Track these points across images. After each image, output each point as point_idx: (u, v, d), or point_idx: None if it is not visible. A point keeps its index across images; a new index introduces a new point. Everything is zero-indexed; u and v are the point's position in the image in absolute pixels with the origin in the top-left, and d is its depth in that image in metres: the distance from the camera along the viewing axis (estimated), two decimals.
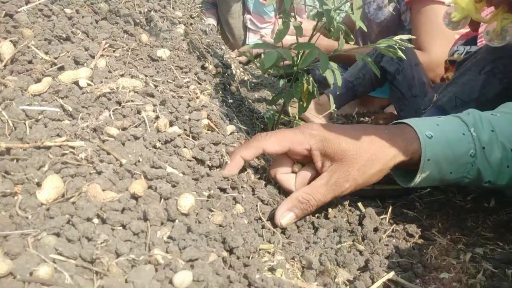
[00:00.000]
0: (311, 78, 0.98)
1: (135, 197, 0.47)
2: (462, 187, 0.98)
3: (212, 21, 2.57)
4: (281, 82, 1.06)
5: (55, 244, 0.40)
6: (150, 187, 0.49)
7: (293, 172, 0.69)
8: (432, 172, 0.65)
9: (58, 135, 0.55)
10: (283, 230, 0.62)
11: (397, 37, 0.79)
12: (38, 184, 0.47)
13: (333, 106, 1.18)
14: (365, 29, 0.89)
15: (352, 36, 0.89)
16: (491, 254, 0.65)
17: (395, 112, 1.54)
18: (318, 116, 1.38)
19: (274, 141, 0.64)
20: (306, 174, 0.67)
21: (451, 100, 1.02)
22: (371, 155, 0.63)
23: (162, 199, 0.49)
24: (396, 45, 0.77)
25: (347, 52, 0.92)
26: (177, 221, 0.47)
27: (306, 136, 0.64)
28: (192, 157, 0.61)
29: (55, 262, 0.38)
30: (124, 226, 0.44)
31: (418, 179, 0.66)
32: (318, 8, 0.87)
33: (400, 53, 0.80)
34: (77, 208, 0.45)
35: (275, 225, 0.61)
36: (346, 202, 0.76)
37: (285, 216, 0.62)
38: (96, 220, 0.44)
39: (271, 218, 0.62)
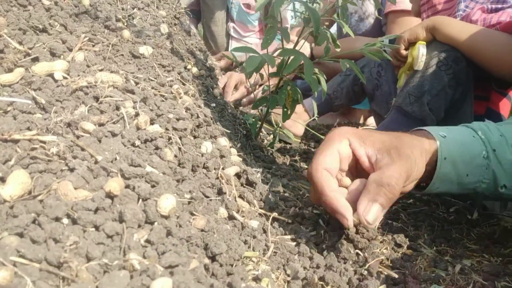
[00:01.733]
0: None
1: (110, 196, 0.43)
2: (445, 199, 0.97)
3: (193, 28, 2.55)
4: (265, 87, 1.04)
5: (17, 245, 0.35)
6: (127, 186, 0.46)
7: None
8: (449, 172, 0.63)
9: (28, 128, 0.51)
10: (267, 240, 0.58)
11: (382, 38, 0.79)
12: (2, 179, 0.42)
13: (315, 113, 1.16)
14: (352, 35, 0.88)
15: (338, 43, 0.88)
16: (479, 266, 0.64)
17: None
18: (299, 123, 1.37)
19: (323, 156, 0.58)
20: (358, 184, 0.60)
21: (405, 98, 1.06)
22: (406, 139, 0.61)
23: (140, 200, 0.45)
24: (381, 48, 0.77)
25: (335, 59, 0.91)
26: (156, 223, 0.43)
27: (341, 135, 0.61)
28: (174, 157, 0.58)
29: (15, 266, 0.34)
30: (97, 228, 0.40)
31: (435, 179, 0.63)
32: (305, 14, 0.86)
33: (385, 54, 0.79)
34: (44, 206, 0.40)
35: (257, 230, 0.58)
36: None
37: (370, 210, 0.54)
38: (65, 220, 0.40)
39: (256, 226, 0.59)
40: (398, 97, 1.09)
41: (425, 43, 1.04)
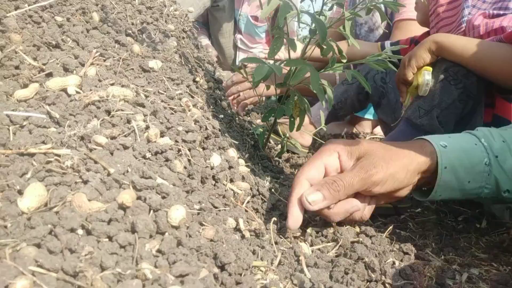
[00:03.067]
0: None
1: (123, 207, 0.45)
2: (453, 208, 0.97)
3: (206, 41, 2.58)
4: (273, 98, 1.05)
5: (35, 256, 0.37)
6: (139, 197, 0.47)
7: None
8: (450, 180, 0.66)
9: (43, 142, 0.53)
10: (275, 248, 0.59)
11: (387, 49, 0.80)
12: (20, 192, 0.44)
13: (323, 123, 1.17)
14: (359, 47, 0.89)
15: (344, 54, 0.89)
16: (487, 275, 0.64)
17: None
18: (306, 133, 1.38)
19: (309, 168, 0.64)
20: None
21: (415, 111, 1.07)
22: (394, 152, 0.65)
23: (152, 211, 0.46)
24: (386, 59, 0.78)
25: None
26: (167, 234, 0.44)
27: (332, 147, 0.66)
28: (184, 168, 0.59)
29: (34, 275, 0.35)
30: (110, 238, 0.42)
31: (437, 187, 0.66)
32: (311, 26, 0.87)
33: (390, 65, 0.80)
34: (60, 218, 0.42)
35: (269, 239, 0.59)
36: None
37: (312, 193, 0.60)
38: (80, 231, 0.41)
39: (264, 236, 0.60)
40: (408, 109, 1.09)
41: (431, 69, 1.04)
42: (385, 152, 0.65)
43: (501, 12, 1.08)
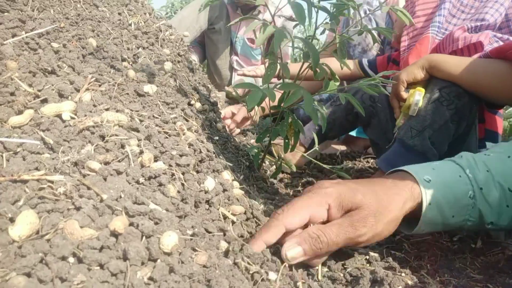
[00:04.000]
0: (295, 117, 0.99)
1: (115, 234, 0.45)
2: None
3: (194, 57, 2.61)
4: (267, 120, 1.06)
5: (24, 286, 0.37)
6: (131, 224, 0.47)
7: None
8: (434, 216, 0.66)
9: (36, 169, 0.53)
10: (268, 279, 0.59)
11: (380, 74, 0.81)
12: (12, 220, 0.44)
13: (316, 144, 1.18)
14: (351, 70, 0.91)
15: (337, 77, 0.90)
16: None
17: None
18: (299, 153, 1.39)
19: (293, 214, 0.60)
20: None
21: (407, 132, 1.08)
22: (386, 203, 0.62)
23: (144, 237, 0.46)
24: (378, 83, 0.79)
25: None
26: (159, 260, 0.44)
27: (323, 197, 0.62)
28: (177, 192, 0.59)
29: None
30: (101, 266, 0.41)
31: (421, 224, 0.66)
32: (304, 50, 0.89)
33: (382, 89, 0.81)
34: (52, 245, 0.42)
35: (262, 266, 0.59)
36: None
37: (292, 249, 0.57)
38: (71, 259, 0.41)
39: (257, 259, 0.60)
40: (401, 130, 1.10)
41: (423, 90, 1.06)
42: (379, 206, 0.62)
43: (478, 23, 1.11)
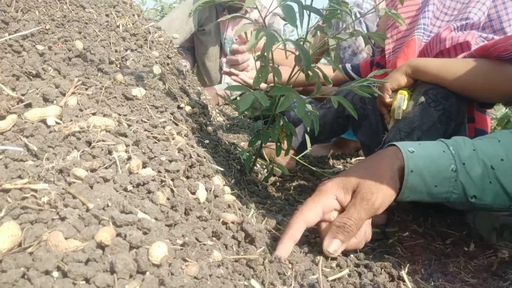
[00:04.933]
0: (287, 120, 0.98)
1: (101, 246, 0.43)
2: (441, 230, 0.97)
3: (185, 62, 2.59)
4: (259, 123, 1.05)
5: None
6: (119, 234, 0.45)
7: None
8: (417, 183, 0.72)
9: (19, 177, 0.51)
10: (264, 283, 0.58)
11: (371, 74, 0.80)
12: None
13: (309, 147, 1.17)
14: (343, 74, 0.90)
15: (330, 80, 0.89)
16: None
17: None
18: (290, 157, 1.37)
19: (308, 211, 0.69)
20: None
21: (395, 134, 1.08)
22: (376, 169, 0.71)
23: (132, 248, 0.44)
24: (371, 84, 0.78)
25: (322, 95, 0.92)
26: (148, 273, 0.43)
27: (327, 191, 0.71)
28: (167, 199, 0.58)
29: None
30: (87, 280, 0.39)
31: (404, 189, 0.72)
32: (295, 53, 0.88)
33: (375, 89, 0.81)
34: (35, 259, 0.40)
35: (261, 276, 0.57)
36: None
37: (330, 244, 0.67)
38: (55, 274, 0.39)
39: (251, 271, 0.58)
40: (389, 133, 1.10)
41: (406, 93, 1.07)
42: (372, 174, 0.70)
43: (463, 22, 1.12)
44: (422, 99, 1.04)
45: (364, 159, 0.76)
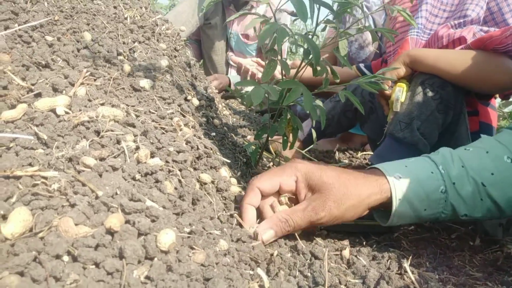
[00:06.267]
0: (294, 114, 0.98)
1: (110, 232, 0.43)
2: (446, 225, 0.97)
3: (189, 53, 2.59)
4: (265, 117, 1.05)
5: (17, 285, 0.35)
6: (127, 221, 0.46)
7: (279, 202, 0.72)
8: (406, 210, 0.70)
9: (30, 164, 0.52)
10: (270, 273, 0.58)
11: (380, 71, 0.80)
12: (4, 217, 0.43)
13: (315, 141, 1.17)
14: (351, 69, 0.90)
15: (338, 74, 0.89)
16: None
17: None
18: (296, 150, 1.38)
19: (266, 180, 0.69)
20: (286, 207, 0.71)
21: (396, 126, 1.09)
22: (347, 190, 0.67)
23: (141, 235, 0.45)
24: (378, 80, 0.78)
25: (329, 89, 0.93)
26: (156, 259, 0.43)
27: (293, 170, 0.70)
28: (174, 189, 0.58)
29: None
30: (97, 265, 0.40)
31: (393, 217, 0.70)
32: (304, 47, 0.88)
33: (382, 85, 0.81)
34: (45, 244, 0.41)
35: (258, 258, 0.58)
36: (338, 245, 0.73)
37: (266, 232, 0.65)
38: (66, 258, 0.40)
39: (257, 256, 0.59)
40: (390, 124, 1.11)
41: (404, 85, 1.07)
42: (339, 190, 0.67)
43: (461, 20, 1.12)
44: (420, 89, 1.06)
45: (351, 171, 0.72)
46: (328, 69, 0.84)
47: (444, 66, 1.03)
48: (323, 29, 0.90)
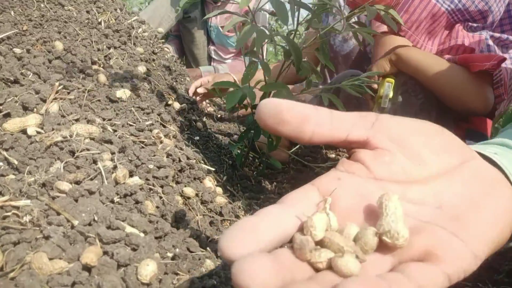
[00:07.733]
0: None
1: (87, 267, 0.41)
2: None
3: (171, 49, 2.54)
4: (250, 118, 1.03)
5: None
6: (105, 252, 0.44)
7: None
8: None
9: (0, 193, 0.49)
10: None
11: (364, 74, 0.79)
12: None
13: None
14: (333, 69, 0.88)
15: (320, 74, 0.88)
16: None
17: None
18: (282, 150, 1.36)
19: None
20: None
21: None
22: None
23: (120, 267, 0.43)
24: (362, 83, 0.77)
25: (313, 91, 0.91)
26: None
27: None
28: (156, 208, 0.56)
29: None
30: None
31: None
32: (285, 47, 0.86)
33: (367, 90, 0.79)
34: (17, 285, 0.38)
35: None
36: None
37: None
38: None
39: None
40: None
41: (393, 81, 1.06)
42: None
43: (480, 16, 1.06)
44: (403, 88, 1.06)
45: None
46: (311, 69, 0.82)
47: (423, 73, 1.02)
48: (306, 29, 0.88)
